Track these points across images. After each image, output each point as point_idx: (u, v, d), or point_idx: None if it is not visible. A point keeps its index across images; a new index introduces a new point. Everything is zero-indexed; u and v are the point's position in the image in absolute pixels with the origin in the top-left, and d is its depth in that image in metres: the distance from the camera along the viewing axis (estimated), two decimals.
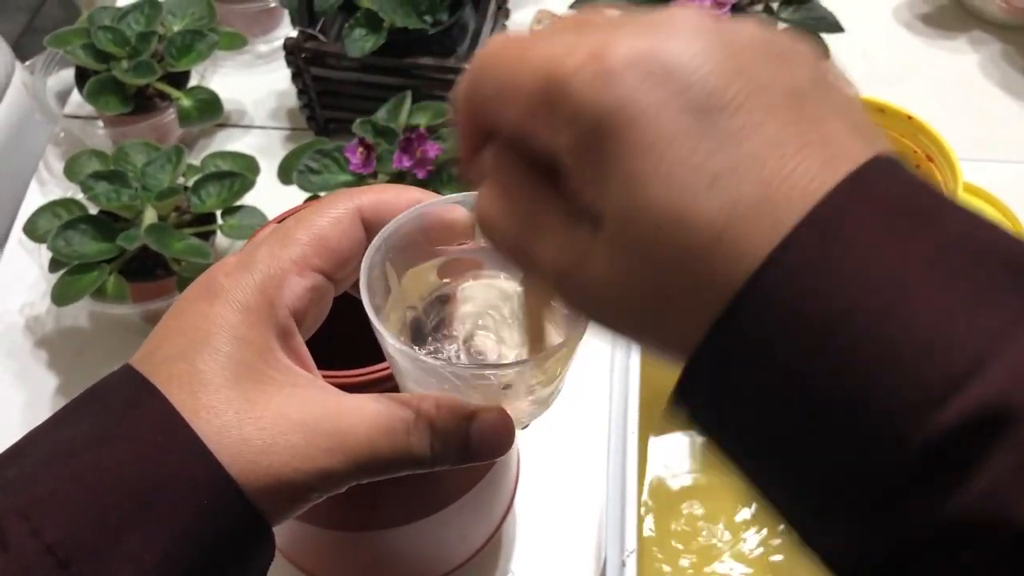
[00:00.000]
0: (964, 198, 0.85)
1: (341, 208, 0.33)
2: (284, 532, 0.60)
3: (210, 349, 0.30)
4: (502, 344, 0.35)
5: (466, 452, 0.32)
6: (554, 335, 0.33)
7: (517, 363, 0.33)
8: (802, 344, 0.22)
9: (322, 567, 0.61)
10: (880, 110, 0.71)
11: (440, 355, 0.34)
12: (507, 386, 0.33)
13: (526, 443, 0.71)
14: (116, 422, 0.29)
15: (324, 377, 0.34)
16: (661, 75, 0.24)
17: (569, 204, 0.26)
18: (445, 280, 0.36)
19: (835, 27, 0.87)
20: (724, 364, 0.24)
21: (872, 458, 0.22)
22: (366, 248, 0.33)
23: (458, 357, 0.35)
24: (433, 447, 0.31)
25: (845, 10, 1.04)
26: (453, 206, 0.34)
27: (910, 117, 0.70)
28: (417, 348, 0.34)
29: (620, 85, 0.24)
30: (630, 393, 0.51)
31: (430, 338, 0.35)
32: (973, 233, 0.23)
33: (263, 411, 0.30)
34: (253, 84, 0.98)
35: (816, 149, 0.23)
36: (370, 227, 0.34)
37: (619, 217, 0.24)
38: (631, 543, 0.46)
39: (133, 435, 0.29)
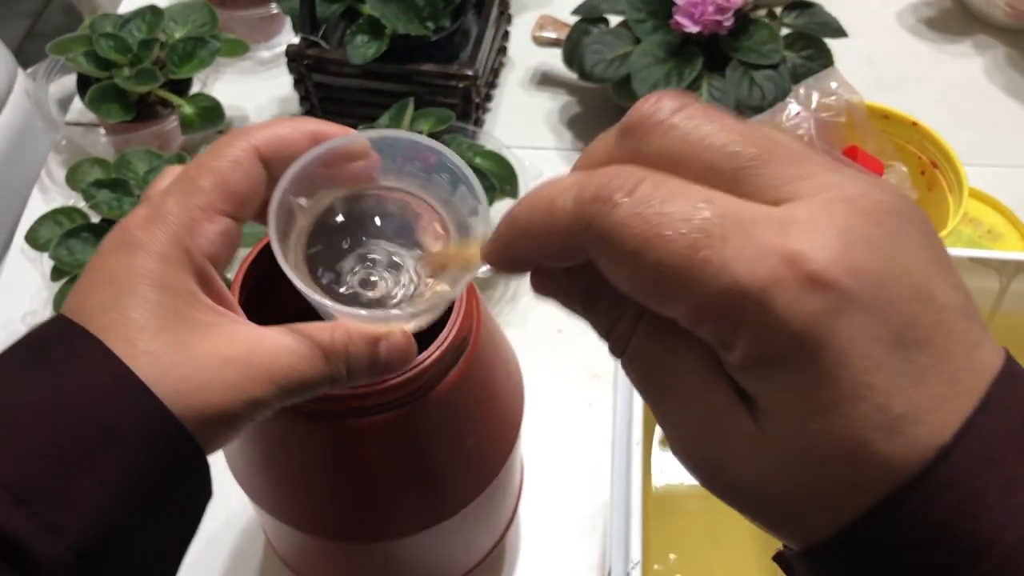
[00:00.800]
0: (967, 204, 0.85)
1: (239, 149, 0.34)
2: (290, 543, 0.59)
3: (139, 299, 0.32)
4: (388, 280, 0.38)
5: (376, 369, 0.36)
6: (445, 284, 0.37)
7: (396, 316, 0.37)
8: (944, 558, 0.23)
9: (311, 569, 0.60)
10: (885, 116, 0.70)
11: (335, 288, 0.37)
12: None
13: (531, 453, 0.70)
14: (62, 371, 0.31)
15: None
16: (865, 298, 0.23)
17: (722, 386, 0.25)
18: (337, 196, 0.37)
19: (839, 32, 0.87)
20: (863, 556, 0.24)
21: None
22: (266, 184, 0.35)
23: (350, 291, 0.37)
24: (349, 367, 0.35)
25: (849, 14, 1.04)
26: (355, 139, 0.35)
27: (915, 123, 0.69)
28: (316, 287, 0.36)
29: (821, 308, 0.23)
30: (635, 403, 0.51)
31: (323, 271, 0.37)
32: None
33: (197, 352, 0.32)
34: (255, 90, 0.97)
35: (969, 374, 0.24)
36: (269, 163, 0.35)
37: (790, 432, 0.24)
38: (636, 554, 0.45)
39: (81, 383, 0.30)
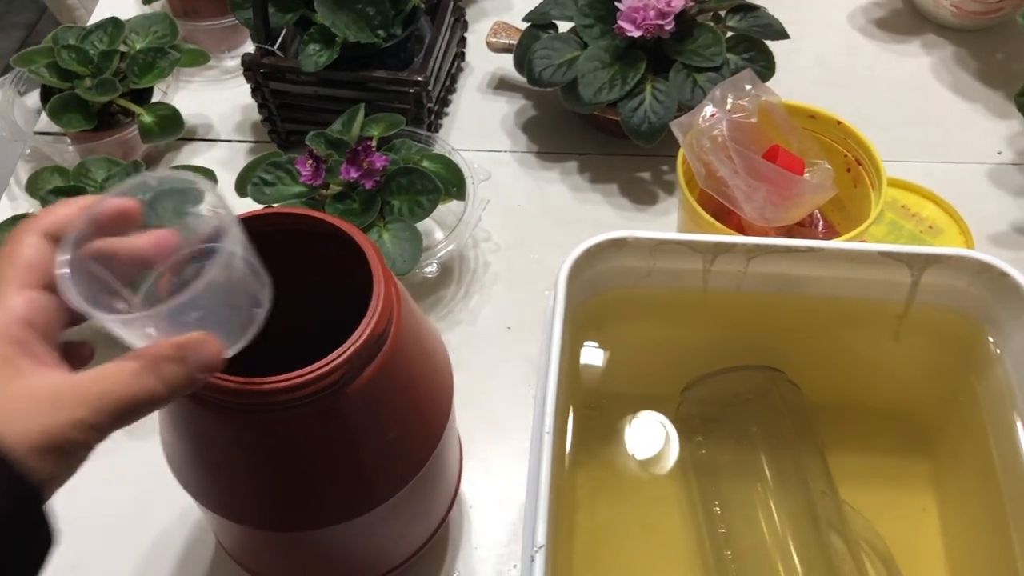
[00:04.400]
0: (904, 198, 0.87)
1: (30, 236, 0.41)
2: (228, 535, 0.62)
3: None
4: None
5: (189, 378, 0.41)
6: None
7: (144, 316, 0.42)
8: None
9: (264, 567, 0.63)
10: (811, 116, 0.73)
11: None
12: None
13: (478, 442, 0.73)
14: None
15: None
16: None
17: None
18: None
19: (782, 34, 0.89)
20: None
21: None
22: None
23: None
24: (163, 378, 0.41)
25: (800, 16, 1.06)
26: (117, 199, 0.42)
27: (839, 122, 0.71)
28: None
29: None
30: (548, 394, 0.53)
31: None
32: None
33: (17, 395, 0.38)
34: (219, 99, 1.00)
35: None
36: (55, 239, 0.42)
37: None
38: (541, 538, 0.47)
39: None
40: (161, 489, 0.61)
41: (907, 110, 0.98)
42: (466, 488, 0.72)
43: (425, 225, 0.89)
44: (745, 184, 0.64)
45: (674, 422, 0.66)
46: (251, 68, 0.87)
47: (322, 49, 0.84)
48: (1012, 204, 0.90)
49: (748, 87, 0.68)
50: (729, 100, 0.67)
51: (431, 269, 0.78)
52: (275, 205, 0.77)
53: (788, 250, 0.59)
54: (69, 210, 0.42)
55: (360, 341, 0.49)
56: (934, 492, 0.64)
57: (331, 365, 0.48)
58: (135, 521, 0.71)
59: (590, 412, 0.66)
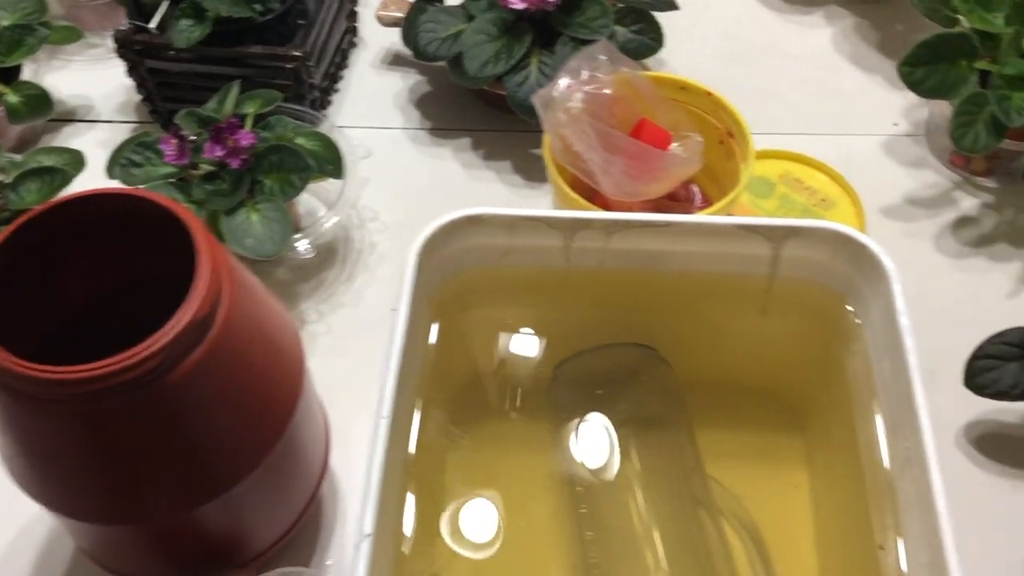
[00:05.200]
0: (797, 171, 0.87)
1: None
2: (75, 530, 0.60)
3: None
4: None
5: None
6: None
7: None
8: None
9: (119, 562, 0.61)
10: (682, 87, 0.71)
11: None
12: None
13: (359, 425, 0.71)
14: None
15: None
16: None
17: None
18: None
19: (669, 5, 0.88)
20: None
21: None
22: None
23: None
24: None
25: None
26: None
27: (709, 94, 0.70)
28: None
29: None
30: (389, 373, 0.51)
31: None
32: None
33: None
34: (102, 78, 0.97)
35: None
36: None
37: None
38: (368, 527, 0.46)
39: None
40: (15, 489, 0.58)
41: (806, 83, 0.97)
42: (341, 472, 0.71)
43: (309, 205, 0.86)
44: (601, 158, 0.62)
45: (545, 402, 0.65)
46: (124, 45, 0.84)
47: (194, 24, 0.81)
48: (905, 176, 0.89)
49: (603, 57, 0.66)
50: (584, 71, 0.65)
51: (305, 249, 0.76)
52: (141, 187, 0.74)
53: (646, 225, 0.58)
54: None
55: (180, 326, 0.47)
56: (806, 468, 0.63)
57: (147, 352, 0.46)
58: None
59: (458, 394, 0.64)
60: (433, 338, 0.60)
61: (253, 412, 0.53)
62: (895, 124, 0.93)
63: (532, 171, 0.89)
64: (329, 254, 0.83)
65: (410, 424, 0.55)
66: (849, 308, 0.59)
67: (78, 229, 0.54)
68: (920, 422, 0.50)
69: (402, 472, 0.52)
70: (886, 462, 0.55)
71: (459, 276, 0.61)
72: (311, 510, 0.65)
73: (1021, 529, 0.68)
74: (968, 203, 0.87)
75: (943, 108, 0.85)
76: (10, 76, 0.85)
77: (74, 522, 0.55)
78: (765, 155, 0.87)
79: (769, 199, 0.85)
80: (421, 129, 0.93)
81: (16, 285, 0.52)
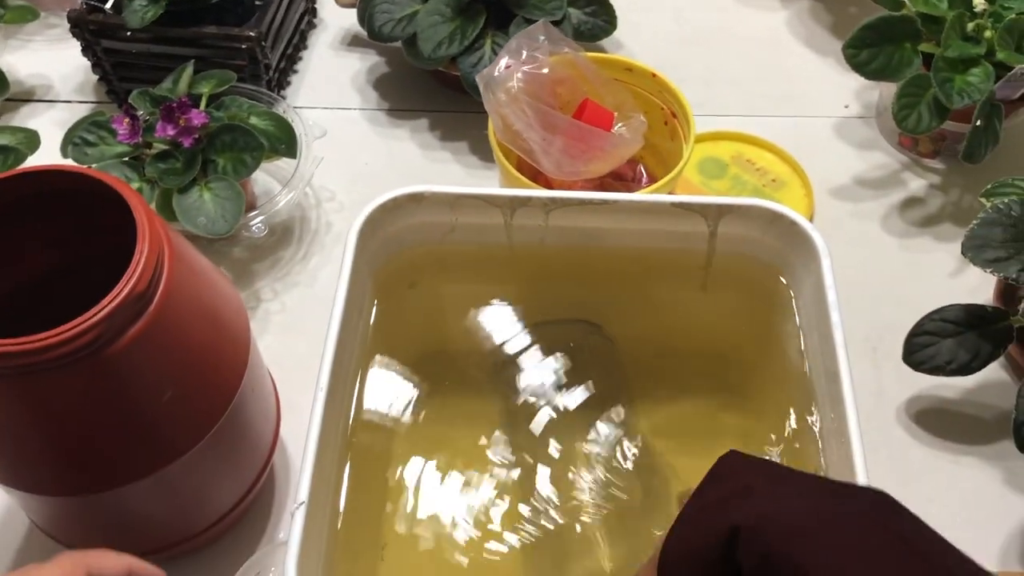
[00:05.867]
0: (749, 152, 0.88)
1: (79, 571, 0.47)
2: (25, 503, 0.60)
3: None
4: None
5: None
6: None
7: None
8: None
9: (70, 535, 0.62)
10: (627, 68, 0.72)
11: None
12: None
13: (303, 405, 0.72)
14: None
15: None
16: None
17: None
18: None
19: None
20: None
21: None
22: None
23: None
24: None
25: None
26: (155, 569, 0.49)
27: (654, 75, 0.71)
28: None
29: None
30: (328, 346, 0.52)
31: None
32: None
33: None
34: (60, 58, 0.97)
35: None
36: None
37: None
38: (303, 495, 0.47)
39: None
40: None
41: (760, 65, 0.99)
42: (295, 448, 0.72)
43: (266, 185, 0.87)
44: (540, 137, 0.63)
45: (491, 377, 0.66)
46: (78, 25, 0.84)
47: (148, 4, 0.81)
48: (855, 157, 0.91)
49: (541, 38, 0.67)
50: (524, 52, 0.66)
51: (258, 228, 0.77)
52: (93, 166, 0.75)
53: (583, 203, 0.59)
54: (117, 563, 0.48)
55: (118, 299, 0.48)
56: (742, 440, 0.65)
57: (84, 325, 0.47)
58: None
59: (404, 370, 0.65)
60: (376, 315, 0.61)
61: (197, 385, 0.54)
62: (846, 106, 0.95)
63: (487, 152, 0.90)
64: (285, 233, 0.84)
65: (351, 398, 0.56)
66: (784, 282, 0.61)
67: (24, 205, 0.55)
68: (844, 393, 0.52)
69: (343, 444, 0.53)
70: (816, 431, 0.56)
71: (403, 254, 0.62)
72: (263, 483, 0.66)
73: (959, 501, 0.70)
74: (915, 184, 0.89)
75: (893, 90, 0.87)
76: None
77: (25, 495, 0.55)
78: (717, 136, 0.89)
79: (721, 180, 0.87)
80: (378, 110, 0.94)
81: None
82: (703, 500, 0.41)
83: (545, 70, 0.65)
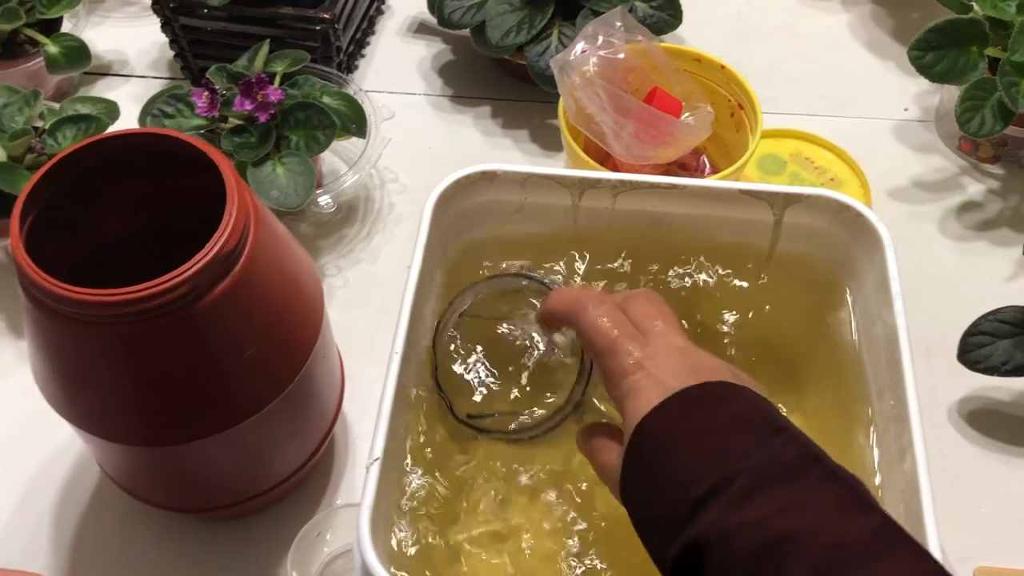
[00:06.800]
0: (808, 150, 0.89)
1: None
2: (100, 451, 0.63)
3: None
4: None
5: None
6: None
7: None
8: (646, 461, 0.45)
9: (140, 487, 0.64)
10: (696, 59, 0.73)
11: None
12: None
13: (362, 375, 0.74)
14: None
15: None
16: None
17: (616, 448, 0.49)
18: None
19: None
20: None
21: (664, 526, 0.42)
22: None
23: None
24: None
25: None
26: None
27: (723, 67, 0.72)
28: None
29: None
30: (403, 312, 0.54)
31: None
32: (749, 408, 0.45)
33: None
34: (137, 35, 1.00)
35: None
36: None
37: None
38: (378, 451, 0.49)
39: None
40: (48, 416, 0.61)
41: (821, 65, 0.99)
42: (354, 418, 0.74)
43: (332, 164, 0.89)
44: (612, 120, 0.65)
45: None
46: (159, 2, 0.87)
47: None
48: (913, 159, 0.91)
49: (618, 24, 0.68)
50: (600, 37, 0.68)
51: (327, 202, 0.79)
52: None
53: (652, 187, 0.60)
54: None
55: (208, 256, 0.50)
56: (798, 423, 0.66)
57: (177, 280, 0.49)
58: (18, 446, 0.72)
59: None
60: (441, 289, 0.63)
61: (276, 344, 0.56)
62: (906, 109, 0.95)
63: (548, 140, 0.92)
64: (350, 212, 0.86)
65: (419, 367, 0.58)
66: (841, 274, 0.62)
67: (112, 167, 0.57)
68: (905, 380, 0.52)
69: (407, 408, 0.55)
70: (872, 420, 0.57)
71: (472, 233, 0.64)
72: (325, 448, 0.68)
73: (1009, 502, 0.70)
74: (974, 188, 0.89)
75: (953, 95, 0.87)
76: (51, 28, 0.88)
77: (105, 443, 0.58)
78: (777, 134, 0.89)
79: (780, 176, 0.88)
80: (442, 96, 0.96)
81: (52, 217, 0.56)
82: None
83: (621, 55, 0.67)
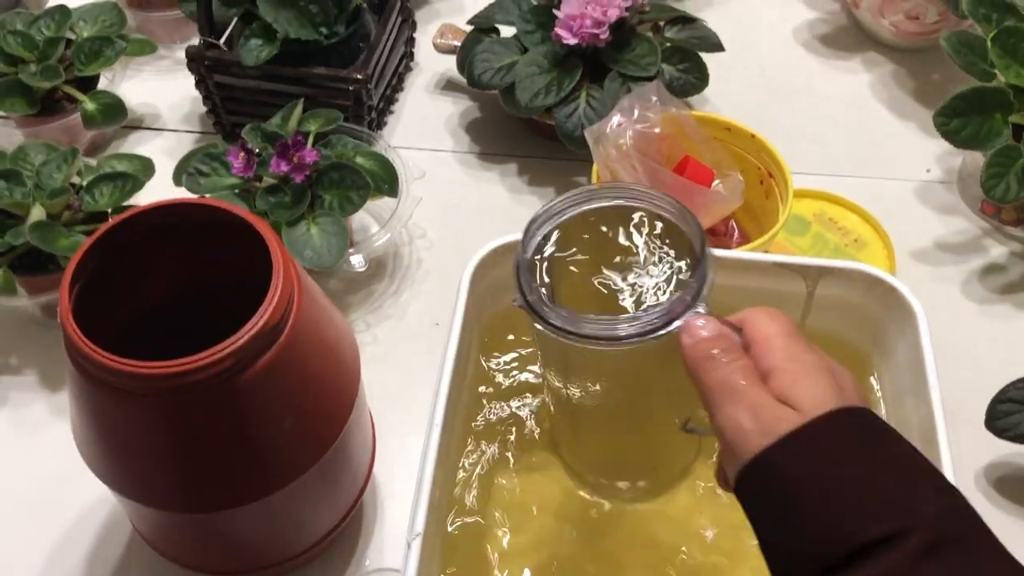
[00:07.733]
0: (832, 211, 0.89)
1: None
2: (136, 514, 0.63)
3: None
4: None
5: None
6: None
7: None
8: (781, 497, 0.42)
9: (174, 549, 0.65)
10: (727, 128, 0.74)
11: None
12: None
13: (391, 435, 0.74)
14: None
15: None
16: None
17: None
18: None
19: (717, 47, 0.91)
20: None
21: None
22: None
23: None
24: None
25: (747, 29, 1.08)
26: None
27: (753, 136, 0.73)
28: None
29: None
30: (442, 384, 0.55)
31: None
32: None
33: None
34: (169, 89, 1.01)
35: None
36: None
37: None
38: (419, 526, 0.49)
39: None
40: (81, 471, 0.62)
41: (843, 125, 1.01)
42: (383, 479, 0.74)
43: (362, 221, 0.90)
44: None
45: None
46: (195, 60, 0.89)
47: (263, 44, 0.85)
48: (936, 221, 0.92)
49: (654, 98, 0.70)
50: (636, 110, 0.69)
51: (359, 261, 0.80)
52: (208, 196, 0.79)
53: None
54: None
55: (254, 331, 0.51)
56: None
57: (222, 353, 0.50)
58: (51, 497, 0.72)
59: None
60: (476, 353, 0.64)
61: (315, 413, 0.57)
62: (928, 170, 0.96)
63: None
64: (378, 268, 0.87)
65: (460, 432, 0.59)
66: (866, 348, 0.62)
67: (155, 236, 0.58)
68: (941, 454, 0.53)
69: (452, 476, 0.56)
70: None
71: (504, 297, 0.65)
72: (356, 511, 0.68)
73: None
74: (997, 251, 0.90)
75: (976, 157, 0.88)
76: (88, 84, 0.90)
77: (141, 508, 0.58)
78: (801, 194, 0.90)
79: (803, 237, 0.88)
80: (470, 153, 0.97)
81: (96, 285, 0.56)
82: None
83: (656, 129, 0.68)
